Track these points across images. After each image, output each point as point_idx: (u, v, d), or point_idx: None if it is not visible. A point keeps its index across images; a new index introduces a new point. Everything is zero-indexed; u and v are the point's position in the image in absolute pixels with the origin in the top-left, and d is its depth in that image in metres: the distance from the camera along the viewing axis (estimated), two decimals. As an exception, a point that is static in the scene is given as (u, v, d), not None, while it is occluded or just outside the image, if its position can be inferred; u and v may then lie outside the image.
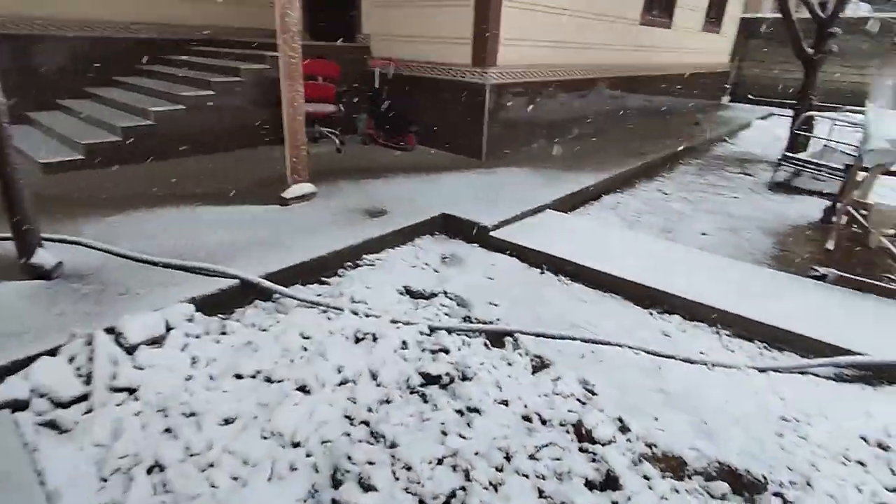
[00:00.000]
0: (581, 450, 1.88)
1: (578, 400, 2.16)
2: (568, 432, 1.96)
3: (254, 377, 2.10)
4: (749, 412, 2.16)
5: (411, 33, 5.60)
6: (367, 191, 4.17)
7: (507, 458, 1.78)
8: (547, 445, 1.85)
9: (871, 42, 11.64)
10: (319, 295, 2.86)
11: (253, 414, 1.89)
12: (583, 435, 1.93)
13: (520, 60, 5.41)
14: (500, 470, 1.72)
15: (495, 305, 2.86)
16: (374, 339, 2.43)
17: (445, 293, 2.97)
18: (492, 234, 3.58)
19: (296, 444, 1.78)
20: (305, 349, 2.29)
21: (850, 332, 2.58)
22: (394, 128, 5.66)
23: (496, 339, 2.58)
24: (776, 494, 1.75)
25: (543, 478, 1.72)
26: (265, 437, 1.79)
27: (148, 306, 2.30)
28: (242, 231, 3.22)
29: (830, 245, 3.11)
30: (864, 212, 3.01)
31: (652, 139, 7.19)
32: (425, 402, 2.05)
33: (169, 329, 2.22)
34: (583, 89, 6.69)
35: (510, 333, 2.58)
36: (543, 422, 2.01)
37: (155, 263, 2.70)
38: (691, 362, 2.48)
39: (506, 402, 2.08)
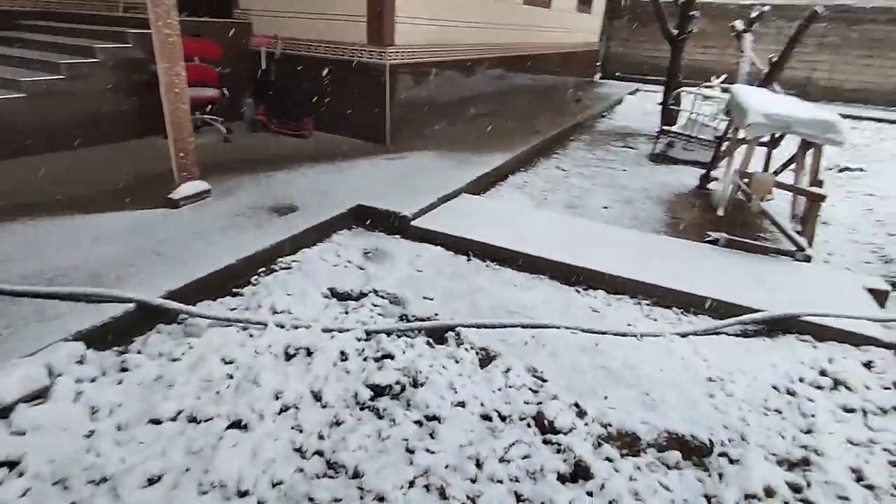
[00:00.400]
0: (545, 442, 1.87)
1: (531, 390, 2.15)
2: (529, 426, 1.94)
3: (174, 419, 1.79)
4: (681, 378, 2.30)
5: (300, 9, 5.15)
6: (270, 185, 3.79)
7: (479, 466, 1.71)
8: (514, 444, 1.81)
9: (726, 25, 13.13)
10: (234, 309, 2.54)
11: (183, 466, 1.60)
12: (545, 426, 1.92)
13: (417, 39, 5.24)
14: (474, 481, 1.65)
15: (430, 300, 2.75)
16: (309, 354, 2.21)
17: (375, 292, 2.80)
18: (413, 223, 3.45)
19: (243, 494, 1.54)
20: (231, 376, 2.01)
21: (746, 291, 2.87)
22: (288, 113, 5.21)
23: (438, 335, 2.49)
24: (721, 455, 1.89)
25: (517, 480, 1.68)
26: (204, 492, 1.53)
27: (19, 351, 1.86)
28: (129, 242, 2.75)
29: (721, 212, 3.43)
30: (745, 180, 3.35)
31: (542, 117, 7.46)
32: (380, 417, 1.91)
33: (54, 376, 1.81)
34: (476, 69, 6.69)
35: (452, 328, 2.50)
36: (503, 418, 1.97)
37: (19, 294, 2.19)
38: (623, 335, 2.59)
39: (462, 404, 2.01)
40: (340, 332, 2.40)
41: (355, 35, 4.90)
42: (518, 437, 1.85)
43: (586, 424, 1.97)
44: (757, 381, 2.32)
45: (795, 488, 1.75)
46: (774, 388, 2.29)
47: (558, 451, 1.82)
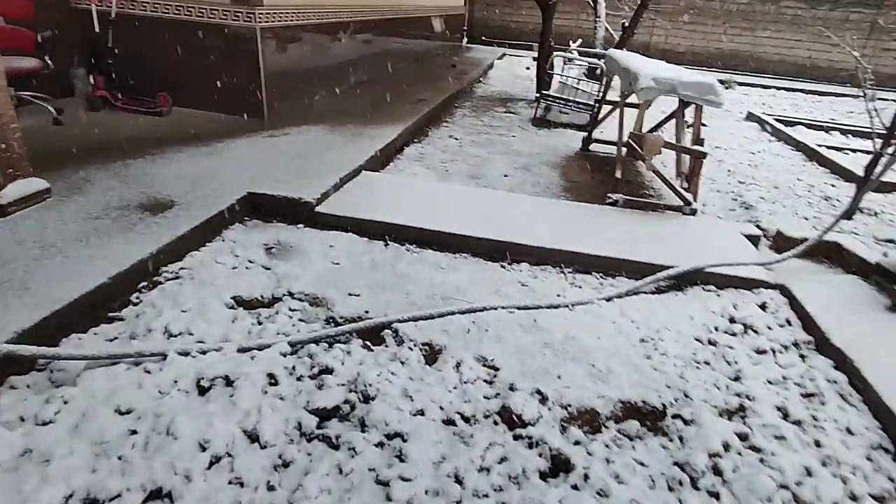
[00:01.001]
0: (516, 437, 1.78)
1: (486, 381, 2.04)
2: (496, 423, 1.83)
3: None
4: (617, 343, 2.36)
5: (134, -43, 4.25)
6: (131, 177, 3.12)
7: (460, 482, 1.56)
8: (489, 448, 1.68)
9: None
10: (114, 339, 2.04)
11: (94, 570, 1.22)
12: (513, 420, 1.83)
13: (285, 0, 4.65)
14: (459, 502, 1.49)
15: (356, 296, 2.49)
16: (229, 384, 1.84)
17: (291, 294, 2.46)
18: (318, 209, 3.09)
19: (188, 586, 1.22)
20: (134, 432, 1.59)
21: (652, 249, 3.04)
22: (137, 87, 4.35)
23: (373, 336, 2.25)
24: (675, 416, 1.96)
25: (502, 489, 1.56)
26: None
27: None
28: (-62, 272, 2.05)
29: (619, 174, 3.59)
30: (636, 142, 3.52)
31: (422, 84, 7.25)
32: (335, 447, 1.65)
33: None
34: (348, 33, 6.21)
35: (388, 325, 2.28)
36: (467, 420, 1.84)
37: None
38: (556, 307, 2.59)
39: (422, 412, 1.83)
40: (260, 349, 2.05)
41: (212, -8, 4.18)
42: (489, 438, 1.73)
43: (549, 409, 1.92)
44: (681, 335, 2.47)
45: (742, 437, 1.88)
46: (698, 340, 2.45)
47: (532, 446, 1.74)
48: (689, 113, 3.68)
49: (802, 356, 2.38)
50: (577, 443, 1.79)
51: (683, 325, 2.54)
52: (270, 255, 2.79)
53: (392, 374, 1.97)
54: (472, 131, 5.83)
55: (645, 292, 2.82)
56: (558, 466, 1.67)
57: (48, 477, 1.41)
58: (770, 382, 2.19)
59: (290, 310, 2.37)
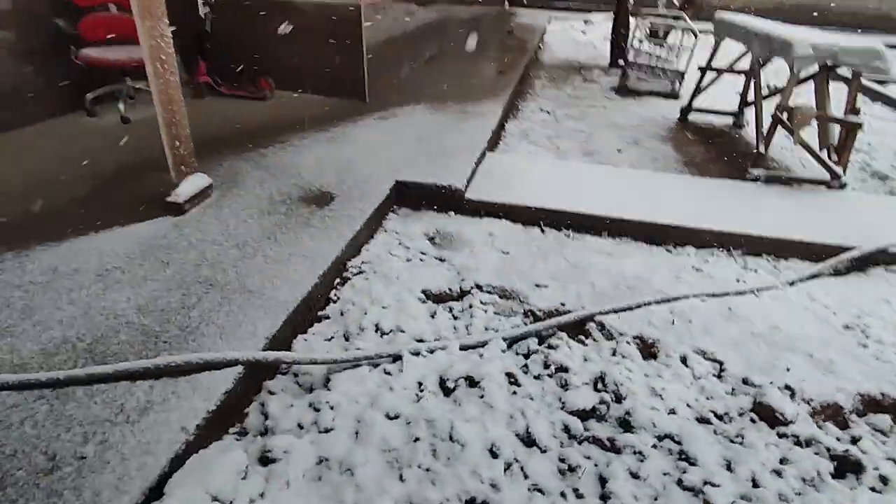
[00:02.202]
0: (781, 435, 1.72)
1: (716, 376, 1.98)
2: (754, 421, 1.77)
3: (391, 518, 1.36)
4: (823, 331, 2.26)
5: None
6: (273, 167, 3.08)
7: (756, 486, 1.51)
8: (767, 447, 1.63)
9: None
10: (330, 339, 2.03)
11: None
12: (774, 418, 1.76)
13: (381, -28, 4.46)
14: (773, 508, 1.45)
15: (544, 287, 2.43)
16: (473, 384, 1.81)
17: (479, 286, 2.41)
18: (468, 196, 3.01)
19: None
20: (417, 439, 1.57)
21: (816, 227, 2.89)
22: (240, 71, 4.27)
23: (578, 329, 2.20)
24: (929, 410, 1.87)
25: (801, 493, 1.51)
26: None
27: (124, 486, 1.26)
28: (153, 273, 2.03)
29: (762, 148, 3.42)
30: (786, 114, 3.33)
31: (490, 53, 7.02)
32: (615, 451, 1.61)
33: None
34: (426, 4, 5.99)
35: (591, 318, 2.22)
36: (721, 418, 1.78)
37: (71, 382, 1.51)
38: (741, 294, 2.50)
39: (674, 411, 1.78)
40: (479, 346, 2.02)
41: (316, -32, 4.03)
42: (761, 438, 1.67)
43: (798, 405, 1.85)
44: (886, 321, 2.36)
45: None
46: (904, 325, 2.34)
47: (804, 445, 1.68)
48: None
49: None
50: (854, 440, 1.72)
51: (883, 310, 2.43)
52: (435, 245, 2.73)
53: (628, 370, 1.91)
54: (560, 103, 5.63)
55: (825, 275, 2.70)
56: (844, 467, 1.61)
57: (362, 487, 1.40)
58: None
59: (482, 303, 2.32)
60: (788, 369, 2.02)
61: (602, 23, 11.32)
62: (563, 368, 1.90)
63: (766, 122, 3.51)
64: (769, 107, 3.57)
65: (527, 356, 2.01)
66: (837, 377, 2.00)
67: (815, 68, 3.12)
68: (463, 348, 2.00)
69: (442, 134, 3.76)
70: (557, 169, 3.50)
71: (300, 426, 1.61)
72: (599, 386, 1.83)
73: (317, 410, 1.65)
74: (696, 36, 6.78)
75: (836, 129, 3.43)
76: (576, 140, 4.52)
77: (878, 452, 1.67)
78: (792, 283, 2.60)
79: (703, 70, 4.99)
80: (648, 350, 2.10)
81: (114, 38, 3.56)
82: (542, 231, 2.93)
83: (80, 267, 2.03)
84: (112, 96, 3.74)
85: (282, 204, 2.66)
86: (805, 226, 2.91)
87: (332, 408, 1.66)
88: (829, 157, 3.43)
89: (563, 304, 2.31)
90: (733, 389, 1.92)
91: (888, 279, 2.67)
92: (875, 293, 2.55)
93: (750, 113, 5.05)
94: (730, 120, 5.19)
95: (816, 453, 1.65)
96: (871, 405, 1.92)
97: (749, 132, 5.00)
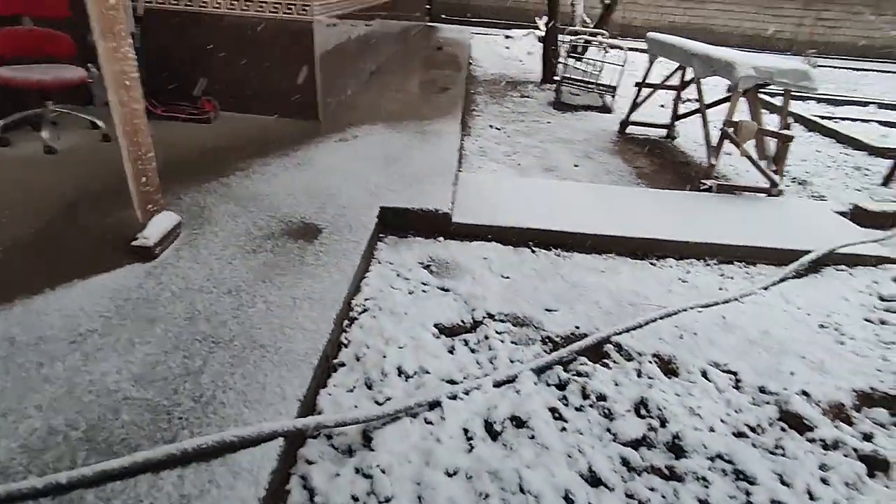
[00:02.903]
0: (810, 441, 1.81)
1: (735, 387, 2.06)
2: (784, 430, 1.86)
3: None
4: (806, 333, 2.44)
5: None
6: (243, 198, 2.81)
7: (811, 497, 1.57)
8: (806, 454, 1.71)
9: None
10: (352, 390, 1.86)
11: None
12: (802, 425, 1.86)
13: (328, -13, 4.29)
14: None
15: (555, 311, 2.41)
16: (520, 424, 1.74)
17: (490, 315, 2.34)
18: (455, 219, 2.94)
19: None
20: (487, 495, 1.46)
21: (772, 233, 3.15)
22: (179, 91, 3.89)
23: (596, 352, 2.20)
24: (915, 399, 2.07)
25: (850, 500, 1.59)
26: None
27: None
28: (136, 332, 1.75)
29: (713, 161, 3.68)
30: (732, 128, 3.61)
31: (429, 69, 7.03)
32: (678, 479, 1.61)
33: None
34: (362, 19, 5.86)
35: (607, 340, 2.24)
36: (754, 430, 1.85)
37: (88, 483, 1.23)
38: (727, 302, 2.65)
39: (713, 428, 1.82)
40: (510, 381, 1.95)
41: (262, -18, 3.78)
42: (800, 447, 1.75)
43: (813, 408, 1.97)
44: (851, 318, 2.60)
45: (978, 411, 2.02)
46: (867, 320, 2.59)
47: (833, 448, 1.78)
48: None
49: (961, 326, 2.58)
50: (867, 437, 1.85)
51: (845, 308, 2.68)
52: (434, 274, 2.63)
53: (662, 392, 1.93)
54: (506, 119, 5.73)
55: (790, 278, 2.93)
56: (874, 466, 1.72)
57: (447, 562, 1.27)
58: (956, 355, 2.36)
59: (497, 333, 2.26)
60: (793, 373, 2.15)
61: (521, 38, 11.78)
62: (602, 397, 1.88)
63: (714, 136, 3.79)
64: (697, 118, 3.86)
65: (560, 386, 1.97)
66: (832, 376, 2.16)
67: (750, 85, 3.40)
68: (496, 385, 1.92)
69: (409, 155, 3.66)
70: (532, 187, 3.53)
71: (354, 498, 1.44)
72: (643, 412, 1.83)
73: (368, 477, 1.49)
74: (606, 51, 7.22)
75: (772, 142, 3.78)
76: (533, 156, 4.60)
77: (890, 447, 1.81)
78: (766, 288, 2.79)
79: (639, 86, 5.31)
80: (667, 367, 2.14)
81: (29, 55, 3.10)
82: (534, 252, 2.93)
83: (46, 334, 1.70)
84: (27, 122, 3.24)
85: (265, 240, 2.42)
86: (765, 232, 3.15)
87: (384, 471, 1.50)
88: (769, 167, 3.77)
89: (577, 328, 2.30)
90: (754, 399, 2.00)
91: (839, 277, 2.96)
92: (833, 292, 2.80)
93: (680, 125, 5.46)
94: (663, 132, 5.57)
95: (846, 455, 1.76)
96: (865, 400, 2.09)
97: (681, 143, 5.40)
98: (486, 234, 2.95)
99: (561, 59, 7.12)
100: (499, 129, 5.38)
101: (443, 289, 2.50)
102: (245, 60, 3.99)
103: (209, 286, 2.04)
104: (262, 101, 4.13)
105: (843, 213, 3.64)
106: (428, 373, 1.96)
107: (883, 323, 2.58)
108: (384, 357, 1.99)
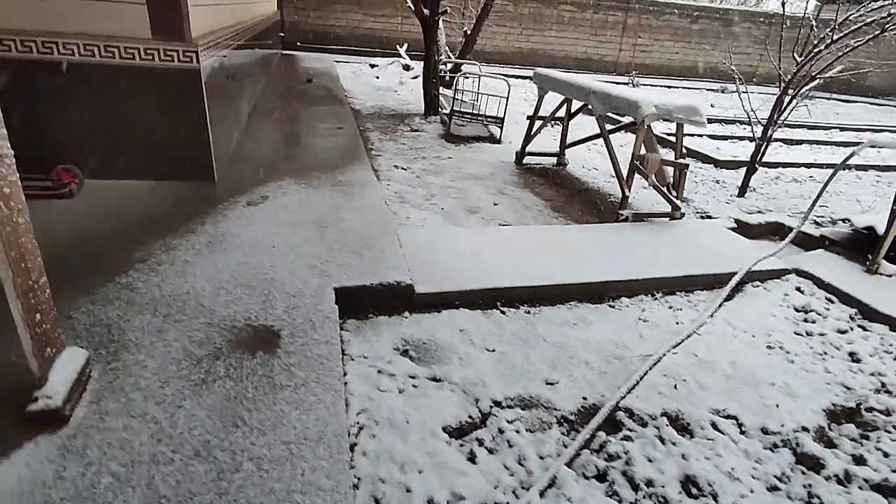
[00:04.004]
0: (827, 479, 1.92)
1: (743, 434, 2.13)
2: (804, 472, 1.94)
3: None
4: (762, 357, 2.64)
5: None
6: (161, 301, 2.22)
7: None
8: (840, 495, 1.79)
9: None
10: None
11: None
12: (817, 465, 1.95)
13: (205, 25, 3.74)
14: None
15: (555, 384, 2.27)
16: (590, 541, 1.56)
17: (497, 403, 2.13)
18: (418, 290, 2.67)
19: None
20: None
21: (694, 258, 3.43)
22: (25, 161, 3.01)
23: (610, 423, 2.12)
24: (868, 410, 2.33)
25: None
26: None
27: None
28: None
29: (627, 192, 3.92)
30: (638, 162, 3.89)
31: (309, 106, 6.62)
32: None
33: None
34: (242, 51, 5.27)
35: (616, 409, 2.17)
36: (780, 478, 1.90)
37: None
38: (689, 336, 2.77)
39: (752, 490, 1.83)
40: (553, 485, 1.77)
41: (128, 25, 3.12)
42: (827, 490, 1.83)
43: (814, 440, 2.10)
44: (785, 334, 2.89)
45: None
46: (798, 334, 2.91)
47: (848, 482, 1.90)
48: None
49: (862, 327, 3.02)
50: (859, 461, 2.01)
51: (777, 324, 2.97)
52: (416, 361, 2.33)
53: (698, 460, 1.90)
54: (407, 158, 5.57)
55: (723, 301, 3.19)
56: (886, 493, 1.87)
57: None
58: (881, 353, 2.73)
59: (509, 422, 2.06)
60: (777, 405, 2.29)
61: (388, 67, 11.74)
62: (649, 482, 1.79)
63: (623, 168, 4.04)
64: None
65: (600, 477, 1.84)
66: (803, 399, 2.35)
67: (652, 122, 3.70)
68: (542, 494, 1.72)
69: (340, 216, 3.30)
70: (474, 238, 3.39)
71: None
72: (694, 490, 1.77)
73: None
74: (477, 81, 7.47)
75: (670, 170, 4.14)
76: (451, 197, 4.49)
77: (889, 464, 1.99)
78: (712, 315, 2.99)
79: (531, 119, 5.53)
80: (679, 425, 2.14)
81: None
82: (504, 314, 2.78)
83: None
84: None
85: (213, 361, 1.92)
86: (691, 259, 3.41)
87: None
88: (670, 193, 4.12)
89: (585, 398, 2.20)
90: (764, 444, 2.08)
91: (758, 294, 3.30)
92: (762, 309, 3.10)
93: (568, 154, 5.80)
94: (553, 160, 5.87)
95: (860, 488, 1.89)
96: (834, 417, 2.30)
97: (573, 170, 5.73)
98: (453, 301, 2.73)
99: (444, 91, 7.19)
100: (405, 168, 5.19)
101: (434, 378, 2.22)
102: (114, 116, 3.26)
103: (165, 452, 1.52)
104: (137, 162, 3.42)
105: (733, 229, 4.11)
106: (464, 498, 1.69)
107: (809, 335, 2.90)
108: (408, 491, 1.67)
